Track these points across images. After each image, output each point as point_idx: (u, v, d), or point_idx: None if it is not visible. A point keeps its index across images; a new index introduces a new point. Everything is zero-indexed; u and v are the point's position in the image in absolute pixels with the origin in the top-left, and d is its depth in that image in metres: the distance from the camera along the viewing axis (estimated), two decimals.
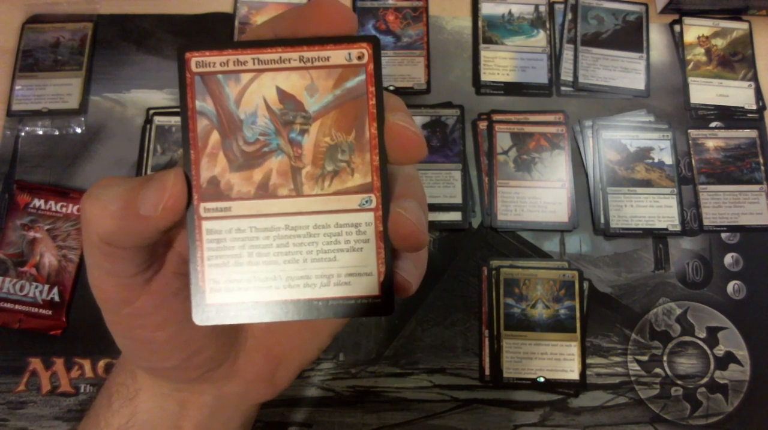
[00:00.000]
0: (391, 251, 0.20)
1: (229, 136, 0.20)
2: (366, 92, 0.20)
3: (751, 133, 0.62)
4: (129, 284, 0.21)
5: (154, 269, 0.21)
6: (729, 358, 0.55)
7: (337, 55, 0.20)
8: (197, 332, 0.23)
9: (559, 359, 0.54)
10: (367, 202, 0.20)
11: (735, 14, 0.67)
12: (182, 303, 0.22)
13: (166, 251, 0.22)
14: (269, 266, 0.20)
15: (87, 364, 0.53)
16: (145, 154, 0.59)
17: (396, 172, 0.21)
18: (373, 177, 0.20)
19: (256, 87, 0.20)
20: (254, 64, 0.20)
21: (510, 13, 0.65)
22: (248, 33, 0.21)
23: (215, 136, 0.20)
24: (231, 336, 0.25)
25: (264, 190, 0.20)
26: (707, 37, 0.66)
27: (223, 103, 0.20)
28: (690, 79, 0.64)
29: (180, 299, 0.22)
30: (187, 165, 0.20)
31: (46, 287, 0.54)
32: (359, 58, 0.20)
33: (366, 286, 0.20)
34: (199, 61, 0.20)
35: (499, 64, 0.64)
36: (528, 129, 0.61)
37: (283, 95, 0.20)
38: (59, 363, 0.53)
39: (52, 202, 0.56)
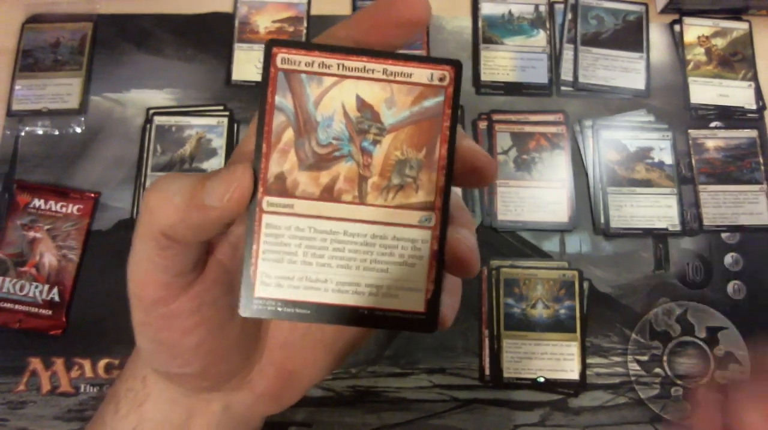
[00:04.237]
0: (442, 271, 0.21)
1: (303, 136, 0.20)
2: (442, 113, 0.20)
3: (751, 133, 0.62)
4: (172, 283, 0.21)
5: (197, 272, 0.22)
6: (729, 358, 0.55)
7: (420, 74, 0.20)
8: (223, 342, 0.23)
9: (559, 359, 0.54)
10: (427, 220, 0.20)
11: (735, 14, 0.67)
12: (216, 311, 0.22)
13: (207, 257, 0.22)
14: (322, 268, 0.20)
15: (87, 364, 0.53)
16: (145, 154, 0.59)
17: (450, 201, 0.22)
18: (437, 196, 0.20)
19: (337, 92, 0.20)
20: (338, 69, 0.20)
21: (510, 12, 0.65)
22: (324, 35, 0.21)
23: (289, 134, 0.20)
24: (250, 348, 0.25)
25: (329, 194, 0.20)
26: (707, 37, 0.66)
27: (303, 103, 0.20)
28: (690, 79, 0.64)
29: (215, 307, 0.22)
30: (257, 157, 0.20)
31: (46, 286, 0.54)
32: (441, 79, 0.20)
33: (413, 301, 0.20)
34: (285, 57, 0.20)
35: (499, 63, 0.64)
36: (528, 129, 0.61)
37: (362, 104, 0.20)
38: (59, 363, 0.53)
39: (52, 202, 0.56)
